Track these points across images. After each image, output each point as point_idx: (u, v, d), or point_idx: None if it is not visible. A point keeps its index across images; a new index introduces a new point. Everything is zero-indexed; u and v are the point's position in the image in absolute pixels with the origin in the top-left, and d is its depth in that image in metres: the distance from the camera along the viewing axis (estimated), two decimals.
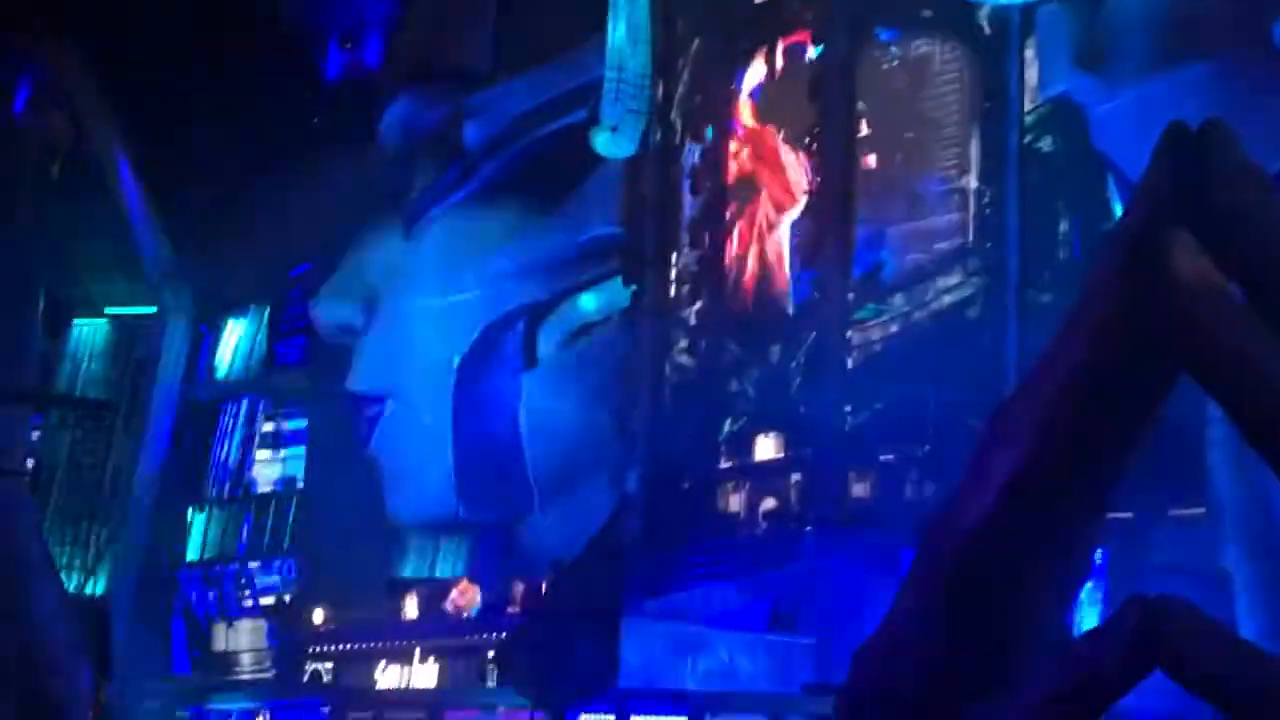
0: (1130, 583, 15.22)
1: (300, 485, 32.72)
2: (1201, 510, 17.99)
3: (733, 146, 25.73)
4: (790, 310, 24.36)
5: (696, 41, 26.25)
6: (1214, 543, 17.63)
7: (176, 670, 31.11)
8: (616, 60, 26.32)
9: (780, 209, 24.95)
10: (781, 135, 25.05)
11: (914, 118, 23.28)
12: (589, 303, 28.06)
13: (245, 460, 34.29)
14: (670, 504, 24.76)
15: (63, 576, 30.20)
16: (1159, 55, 18.46)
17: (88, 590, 33.20)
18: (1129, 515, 16.54)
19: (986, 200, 22.14)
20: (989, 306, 21.92)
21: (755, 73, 25.54)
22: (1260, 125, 13.96)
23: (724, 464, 24.81)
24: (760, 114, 25.45)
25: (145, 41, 30.81)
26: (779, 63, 25.19)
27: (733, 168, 25.70)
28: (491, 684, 23.16)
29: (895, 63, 23.65)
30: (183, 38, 30.63)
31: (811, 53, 24.56)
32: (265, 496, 33.62)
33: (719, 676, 21.31)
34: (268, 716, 22.56)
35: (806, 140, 24.36)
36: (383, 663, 25.63)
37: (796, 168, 24.74)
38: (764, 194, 25.21)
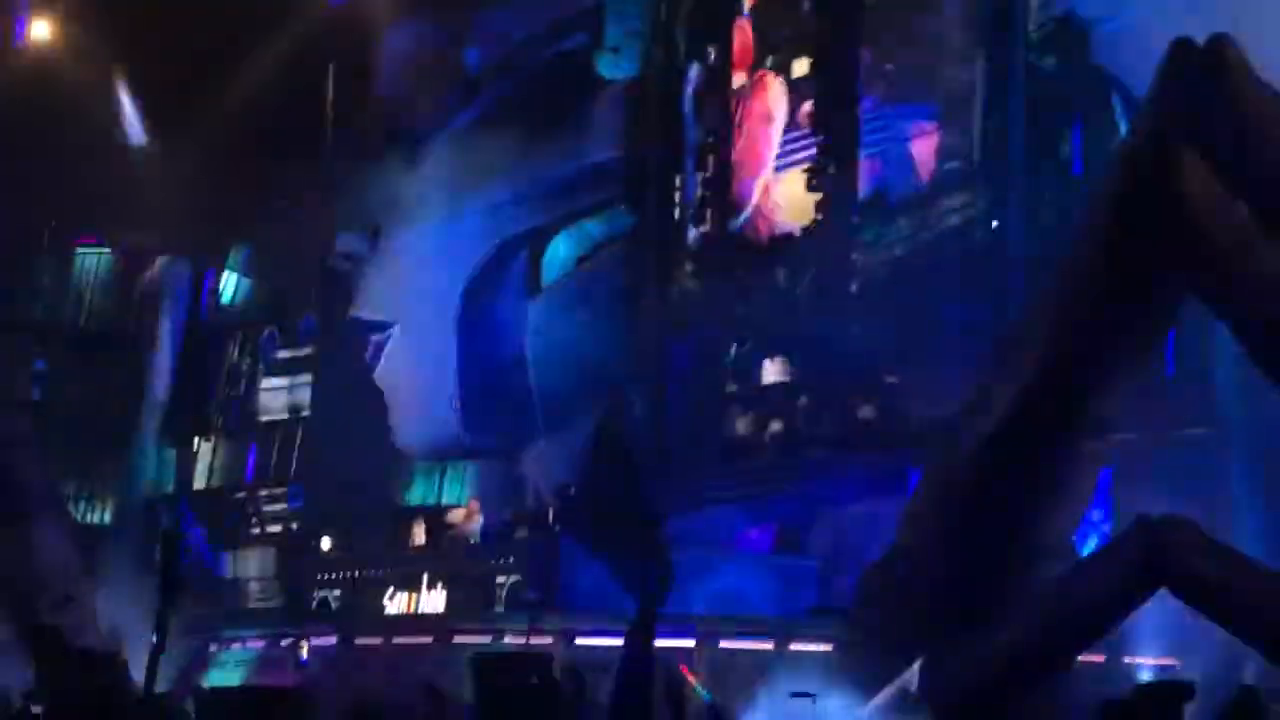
0: (1135, 503, 15.26)
1: (307, 413, 32.78)
2: (1207, 430, 18.02)
3: (734, 67, 25.61)
4: (795, 233, 24.32)
5: None
6: (1219, 464, 17.66)
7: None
8: None
9: (778, 133, 24.87)
10: (778, 58, 24.92)
11: (918, 38, 23.13)
12: (593, 228, 28.00)
13: (252, 389, 34.35)
14: (677, 428, 24.86)
15: (70, 506, 30.32)
16: None
17: (94, 520, 33.41)
18: (1133, 436, 16.55)
19: (991, 120, 22.04)
20: (993, 227, 21.88)
21: None
22: (1268, 43, 13.85)
23: (730, 388, 24.85)
24: (758, 34, 25.30)
25: None
26: None
27: (735, 88, 25.57)
28: (500, 609, 23.27)
29: None
30: None
31: None
32: (272, 424, 33.69)
33: (725, 599, 21.43)
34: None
35: (810, 62, 24.23)
36: (390, 589, 25.75)
37: (782, 96, 24.65)
38: (766, 116, 25.13)
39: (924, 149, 22.81)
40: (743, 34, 25.51)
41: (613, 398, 24.14)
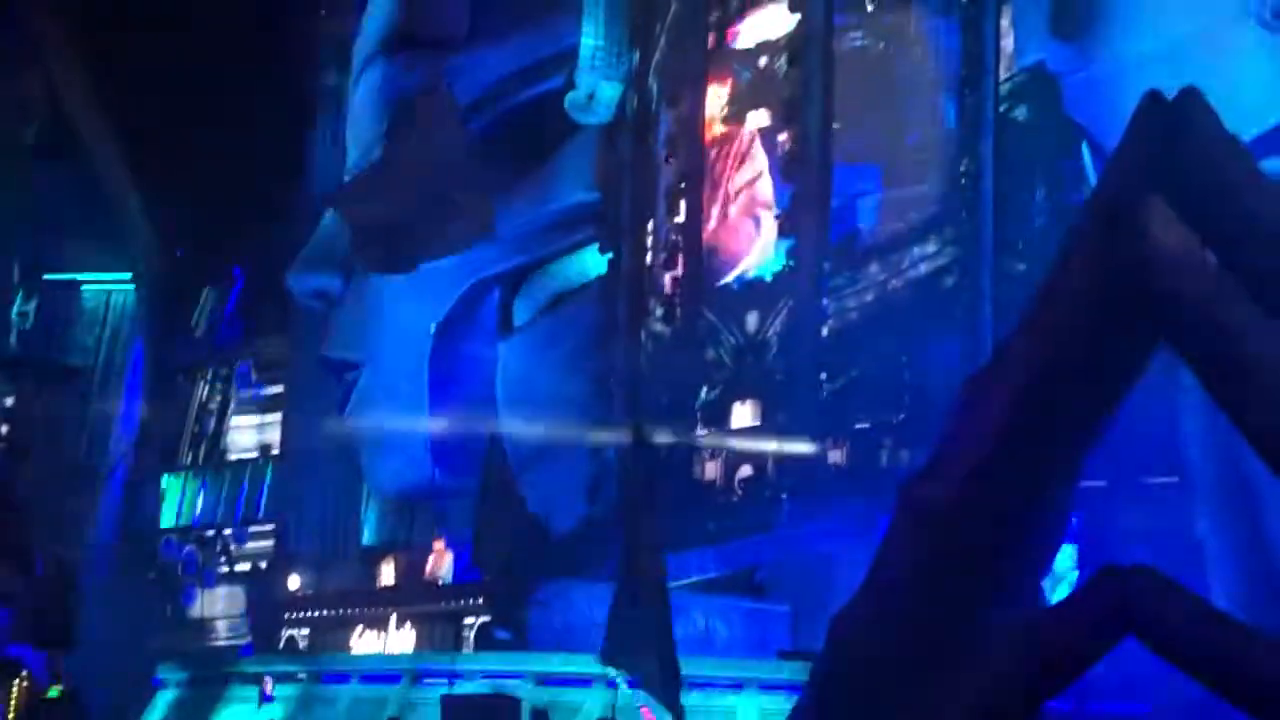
0: (1103, 551, 15.29)
1: (276, 451, 32.69)
2: (1175, 479, 18.07)
3: (708, 115, 25.70)
4: (767, 278, 24.38)
5: (674, 8, 26.19)
6: (1187, 512, 17.71)
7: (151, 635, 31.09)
8: (593, 27, 26.28)
9: (750, 179, 24.94)
10: (751, 106, 25.02)
11: (890, 87, 23.26)
12: (565, 270, 28.03)
13: (222, 426, 34.24)
14: (640, 478, 24.79)
15: (37, 542, 30.14)
16: (1134, 24, 18.45)
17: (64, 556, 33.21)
18: (1102, 483, 16.60)
19: (962, 169, 22.14)
20: (964, 275, 21.95)
21: (731, 40, 25.49)
22: (1235, 95, 13.98)
23: (699, 430, 24.85)
24: (733, 83, 25.41)
25: (118, 8, 30.66)
26: (755, 31, 25.14)
27: (708, 136, 25.66)
28: (468, 650, 23.17)
29: (871, 32, 23.62)
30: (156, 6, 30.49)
31: (789, 21, 24.52)
32: (242, 463, 33.59)
33: (695, 643, 21.36)
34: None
35: (783, 110, 24.34)
36: (359, 628, 25.62)
37: (761, 150, 24.73)
38: (738, 162, 25.19)
39: (895, 196, 22.92)
40: (720, 83, 25.61)
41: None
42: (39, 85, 34.40)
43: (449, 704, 18.25)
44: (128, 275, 35.26)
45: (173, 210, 32.55)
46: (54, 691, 24.70)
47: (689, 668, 17.58)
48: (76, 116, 34.23)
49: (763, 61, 24.87)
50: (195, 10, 30.19)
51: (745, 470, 24.05)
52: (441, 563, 25.33)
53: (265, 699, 22.14)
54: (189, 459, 34.50)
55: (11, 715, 22.11)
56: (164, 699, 24.72)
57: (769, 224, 24.43)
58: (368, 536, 29.60)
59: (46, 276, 36.10)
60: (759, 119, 24.93)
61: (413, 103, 28.44)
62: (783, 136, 24.38)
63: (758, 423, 24.13)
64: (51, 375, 35.60)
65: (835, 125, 23.66)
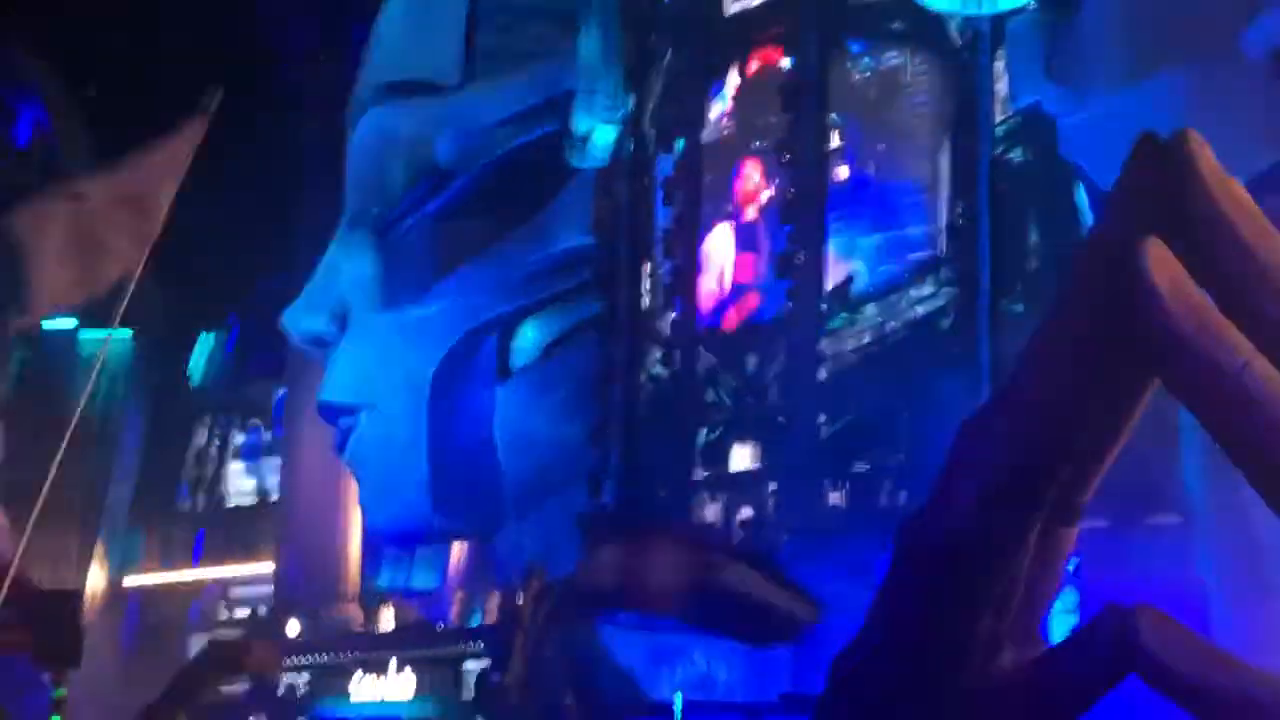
0: (1104, 591, 15.26)
1: (274, 497, 32.66)
2: (1177, 518, 18.05)
3: (705, 158, 25.77)
4: (765, 321, 24.40)
5: (669, 54, 26.29)
6: (1189, 551, 17.68)
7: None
8: (589, 72, 26.36)
9: (751, 232, 25.00)
10: (752, 148, 25.11)
11: (885, 129, 23.35)
12: (563, 314, 28.06)
13: (219, 473, 34.21)
14: (646, 514, 24.78)
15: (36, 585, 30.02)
16: (1129, 66, 18.53)
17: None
18: (1103, 523, 16.57)
19: (958, 211, 22.21)
20: (961, 316, 21.99)
21: (727, 85, 25.59)
22: (1230, 136, 14.02)
23: (700, 474, 24.83)
24: (728, 127, 25.50)
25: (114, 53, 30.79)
26: (750, 75, 25.24)
27: (705, 179, 25.73)
28: (467, 696, 23.14)
29: (867, 74, 23.71)
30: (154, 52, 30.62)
31: (784, 65, 24.62)
32: (239, 509, 33.54)
33: (696, 685, 21.31)
34: None
35: (779, 153, 24.42)
36: (359, 673, 25.57)
37: (760, 181, 24.79)
38: (735, 206, 25.26)
39: (892, 238, 22.97)
40: (717, 126, 25.69)
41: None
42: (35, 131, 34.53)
43: None
44: (125, 329, 35.28)
45: (169, 257, 32.53)
46: (59, 692, 24.61)
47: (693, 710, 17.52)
48: (71, 162, 34.33)
49: (760, 105, 24.96)
50: (181, 61, 30.31)
51: (745, 512, 24.02)
52: (458, 608, 25.31)
53: None
54: (187, 505, 34.45)
55: None
56: None
57: (763, 270, 24.46)
58: (367, 581, 29.54)
59: (45, 326, 36.12)
60: (755, 162, 25.01)
61: None
62: (779, 179, 24.45)
63: (757, 465, 24.12)
64: (47, 423, 35.54)
65: (830, 167, 23.72)
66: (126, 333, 35.35)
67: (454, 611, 25.90)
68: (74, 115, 34.15)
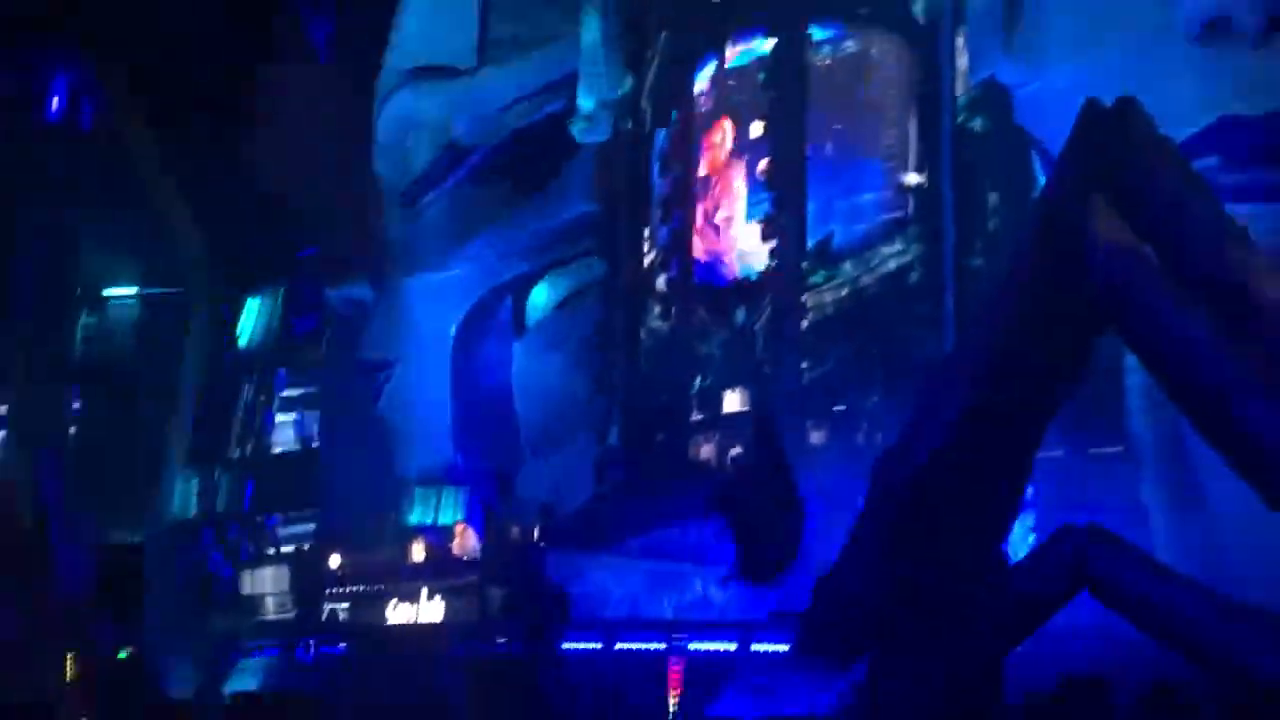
0: (1058, 513, 15.28)
1: (315, 445, 32.68)
2: (1120, 449, 18.07)
3: (694, 136, 25.66)
4: (752, 277, 24.36)
5: (663, 35, 26.17)
6: (1131, 476, 17.72)
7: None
8: (590, 56, 26.25)
9: (736, 197, 24.93)
10: (735, 123, 25.01)
11: (857, 104, 23.26)
12: (571, 275, 28.01)
13: (266, 423, 34.23)
14: (643, 460, 24.82)
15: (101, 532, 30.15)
16: (1076, 41, 18.44)
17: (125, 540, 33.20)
18: (1058, 453, 16.59)
19: (924, 176, 22.16)
20: (927, 271, 21.96)
21: (713, 64, 25.47)
22: (1166, 103, 13.96)
23: (695, 417, 24.84)
24: (717, 102, 25.39)
25: (164, 40, 30.67)
26: (733, 55, 25.13)
27: (696, 150, 25.64)
28: (488, 618, 23.19)
29: (839, 54, 23.60)
30: (200, 38, 30.49)
31: (764, 45, 24.49)
32: (285, 455, 33.58)
33: (694, 607, 21.39)
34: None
35: (763, 125, 24.33)
36: (394, 601, 25.65)
37: (738, 167, 24.72)
38: (724, 174, 25.17)
39: (865, 201, 22.91)
40: (707, 101, 25.58)
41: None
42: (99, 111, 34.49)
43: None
44: (180, 289, 35.24)
45: (221, 227, 32.54)
46: (123, 654, 24.75)
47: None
48: (133, 143, 34.21)
49: (744, 81, 24.85)
50: (233, 43, 30.18)
51: (735, 450, 24.04)
52: (467, 541, 25.35)
53: (306, 661, 22.21)
54: (237, 453, 34.48)
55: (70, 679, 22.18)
56: (242, 666, 24.78)
57: (755, 227, 24.41)
58: (399, 519, 29.60)
59: (105, 292, 36.13)
60: (743, 133, 24.93)
61: None
62: (764, 149, 24.38)
63: (746, 408, 24.13)
64: (113, 384, 35.64)
65: (809, 140, 23.64)
66: (181, 298, 35.37)
67: (474, 544, 25.92)
68: (134, 101, 33.98)
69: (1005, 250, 17.42)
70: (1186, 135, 14.97)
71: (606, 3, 26.13)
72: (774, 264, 23.77)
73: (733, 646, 19.26)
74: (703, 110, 25.56)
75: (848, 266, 22.93)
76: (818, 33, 23.74)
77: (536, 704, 18.12)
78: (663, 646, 19.34)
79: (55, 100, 35.38)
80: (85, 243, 34.98)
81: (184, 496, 33.98)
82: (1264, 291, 7.39)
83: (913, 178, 22.34)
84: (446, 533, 27.10)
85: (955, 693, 8.19)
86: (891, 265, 22.40)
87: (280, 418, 34.18)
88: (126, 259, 35.57)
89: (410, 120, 28.73)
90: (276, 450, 33.77)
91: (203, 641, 28.16)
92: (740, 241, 24.71)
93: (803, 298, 23.30)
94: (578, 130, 26.58)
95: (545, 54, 27.31)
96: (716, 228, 25.15)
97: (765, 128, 24.26)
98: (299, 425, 33.61)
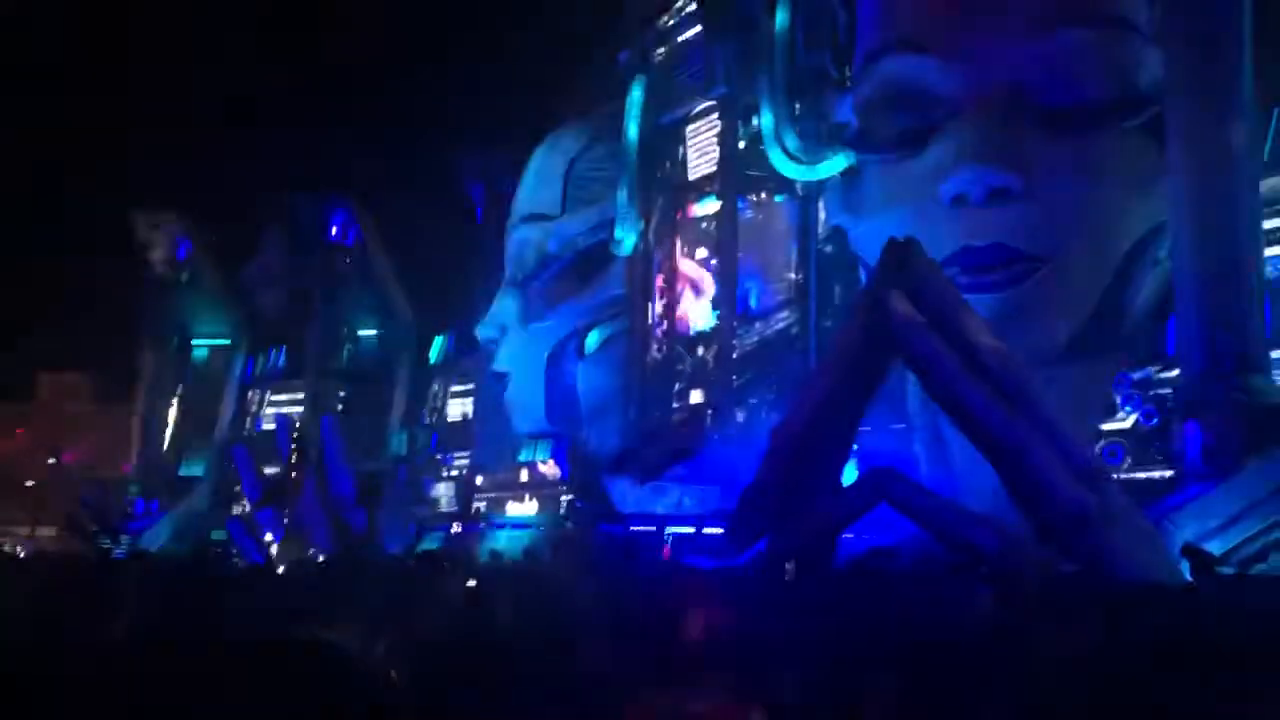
0: (866, 461, 15.16)
1: (470, 416, 32.62)
2: (903, 426, 17.98)
3: (675, 253, 25.63)
4: (706, 331, 24.32)
5: (660, 200, 26.16)
6: (909, 440, 17.60)
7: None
8: (623, 210, 26.24)
9: (698, 286, 24.88)
10: (694, 251, 24.96)
11: (765, 237, 23.21)
12: (610, 326, 27.97)
13: (444, 405, 34.21)
14: (648, 428, 24.71)
15: (356, 462, 30.07)
16: (884, 203, 18.37)
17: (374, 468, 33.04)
18: (868, 428, 16.46)
19: (800, 276, 22.12)
20: (801, 328, 21.91)
21: (688, 213, 25.44)
22: (933, 236, 13.86)
23: (675, 405, 24.78)
24: (685, 235, 25.36)
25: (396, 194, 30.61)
26: (694, 210, 25.10)
27: (677, 264, 25.61)
28: (562, 512, 23.05)
29: (756, 209, 23.59)
30: (418, 200, 30.46)
31: (712, 205, 24.47)
32: (454, 422, 33.56)
33: (674, 508, 21.26)
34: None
35: (712, 249, 24.29)
36: (510, 502, 25.53)
37: (698, 270, 24.68)
38: (691, 279, 25.13)
39: (770, 288, 22.86)
40: (683, 235, 25.54)
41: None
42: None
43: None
44: (400, 331, 35.26)
45: (420, 301, 32.54)
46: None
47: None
48: (373, 253, 34.22)
49: (703, 225, 24.83)
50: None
51: (696, 422, 23.91)
52: (551, 470, 25.19)
53: (460, 533, 21.94)
54: (427, 420, 34.47)
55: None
56: (427, 537, 24.63)
57: (705, 305, 24.35)
58: (514, 456, 29.55)
59: (360, 331, 36.17)
60: (702, 253, 24.89)
61: None
62: (713, 261, 24.34)
63: (703, 400, 24.07)
64: (360, 380, 35.65)
65: (739, 255, 23.60)
66: (399, 335, 35.24)
67: (556, 471, 25.77)
68: (378, 230, 34.01)
69: (843, 318, 17.38)
70: (944, 257, 14.93)
71: (631, 180, 26.15)
72: (718, 324, 23.76)
73: (692, 530, 19.14)
74: (682, 240, 25.56)
75: (759, 325, 22.90)
76: (741, 200, 23.73)
77: (589, 555, 18.00)
78: (655, 529, 19.20)
79: (335, 227, 35.50)
80: (348, 305, 35.00)
81: (399, 443, 33.96)
82: (981, 340, 7.43)
83: (793, 276, 22.31)
84: (540, 465, 26.99)
85: (809, 553, 8.18)
86: (783, 324, 22.37)
87: (452, 402, 34.16)
88: (370, 314, 35.65)
89: (525, 241, 28.74)
90: (450, 419, 33.75)
91: (407, 523, 28.08)
92: (700, 311, 24.71)
93: (734, 341, 23.27)
94: (615, 249, 26.59)
95: (598, 207, 27.36)
96: (688, 304, 25.12)
97: (713, 249, 24.26)
98: (462, 405, 33.55)
